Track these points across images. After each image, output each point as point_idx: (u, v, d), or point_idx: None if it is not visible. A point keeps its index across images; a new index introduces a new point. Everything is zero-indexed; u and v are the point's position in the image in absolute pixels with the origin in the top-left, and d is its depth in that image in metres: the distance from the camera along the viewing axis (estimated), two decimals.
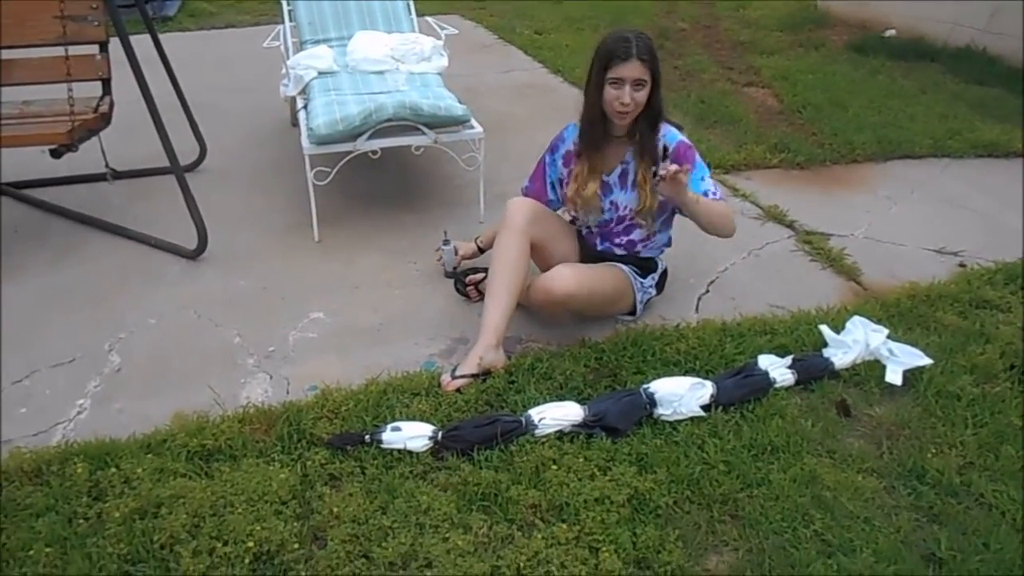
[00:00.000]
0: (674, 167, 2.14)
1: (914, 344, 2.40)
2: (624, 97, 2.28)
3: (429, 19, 4.13)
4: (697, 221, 2.36)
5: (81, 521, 1.81)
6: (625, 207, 2.47)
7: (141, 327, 2.61)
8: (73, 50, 2.93)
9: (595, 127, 2.42)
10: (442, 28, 3.87)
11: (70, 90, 2.90)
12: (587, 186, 2.47)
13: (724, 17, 6.76)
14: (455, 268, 2.84)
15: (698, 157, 2.38)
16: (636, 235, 2.52)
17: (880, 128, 4.16)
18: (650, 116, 2.36)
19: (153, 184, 3.51)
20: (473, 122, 3.19)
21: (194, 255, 3.00)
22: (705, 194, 2.33)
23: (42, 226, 3.26)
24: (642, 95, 2.30)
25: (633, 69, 2.26)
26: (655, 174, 2.19)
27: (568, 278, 2.38)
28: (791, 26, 6.26)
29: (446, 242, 2.83)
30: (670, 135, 2.38)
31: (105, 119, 3.05)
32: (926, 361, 2.32)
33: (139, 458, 1.97)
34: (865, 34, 5.89)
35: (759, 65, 5.36)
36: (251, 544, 1.73)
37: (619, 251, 2.57)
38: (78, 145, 2.91)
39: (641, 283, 2.57)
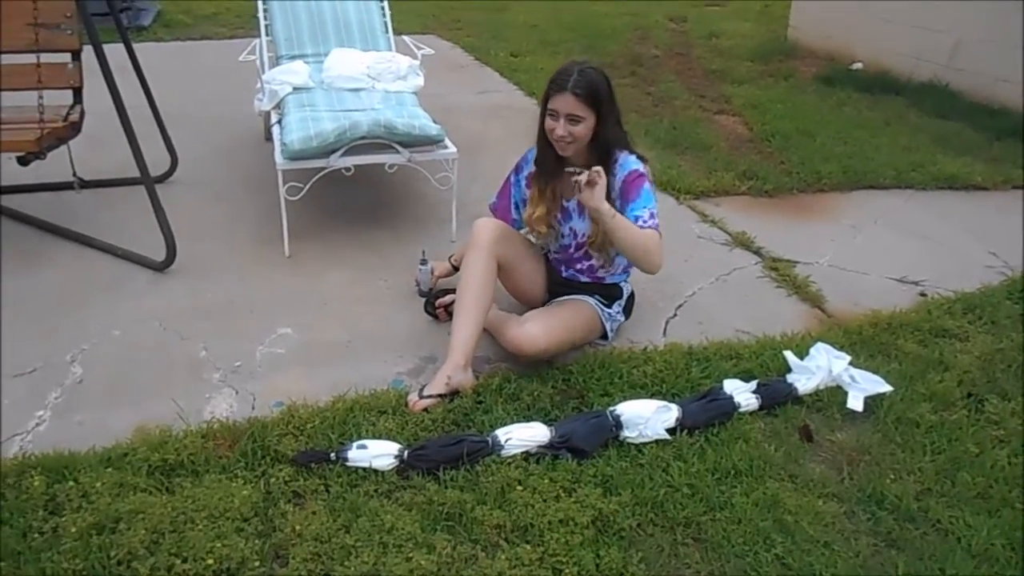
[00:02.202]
0: (584, 176, 2.18)
1: (875, 371, 2.45)
2: (558, 129, 2.31)
3: (406, 38, 4.16)
4: (615, 241, 2.31)
5: (36, 535, 1.78)
6: (583, 235, 2.50)
7: (105, 338, 2.58)
8: (45, 58, 2.91)
9: (545, 154, 2.45)
10: (419, 48, 3.90)
11: (40, 98, 2.87)
12: (536, 209, 2.51)
13: (697, 45, 6.88)
14: (431, 288, 2.84)
15: (647, 187, 2.36)
16: (595, 261, 2.55)
17: (846, 158, 4.25)
18: (598, 149, 2.37)
19: (122, 194, 3.48)
20: (447, 142, 3.21)
21: (162, 267, 2.97)
22: (637, 220, 2.30)
23: (6, 233, 3.21)
24: (579, 129, 2.31)
25: (565, 103, 2.29)
26: (557, 259, 2.18)
27: (538, 337, 2.38)
28: (761, 56, 6.39)
29: (423, 262, 2.83)
30: (627, 163, 2.39)
31: (75, 128, 3.02)
32: (886, 388, 2.37)
33: (98, 472, 1.94)
34: (833, 66, 6.03)
35: (730, 94, 5.46)
36: (211, 561, 1.70)
37: (584, 278, 2.60)
38: (46, 153, 2.88)
39: (609, 313, 2.59)
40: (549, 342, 2.40)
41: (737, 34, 7.16)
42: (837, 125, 4.81)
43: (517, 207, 2.66)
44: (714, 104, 5.29)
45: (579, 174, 2.21)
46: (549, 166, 2.47)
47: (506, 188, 2.69)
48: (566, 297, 2.59)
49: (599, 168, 2.22)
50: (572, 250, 2.56)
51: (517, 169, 2.65)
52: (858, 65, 5.98)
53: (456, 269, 2.80)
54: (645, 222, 2.31)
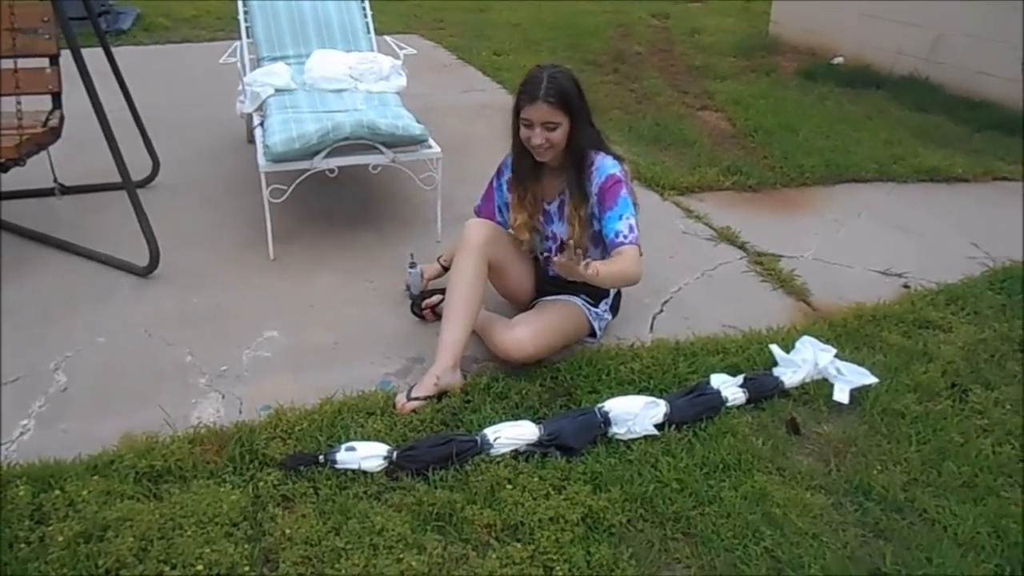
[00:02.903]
0: (561, 258, 2.11)
1: (860, 363, 2.47)
2: (535, 138, 2.31)
3: (388, 38, 4.15)
4: (602, 285, 2.36)
5: (23, 545, 1.76)
6: (562, 238, 2.50)
7: (89, 345, 2.56)
8: (23, 63, 2.88)
9: (521, 161, 2.46)
10: (401, 48, 3.89)
11: (19, 103, 2.84)
12: (518, 216, 2.51)
13: (679, 42, 6.90)
14: (421, 291, 2.83)
15: (624, 192, 2.36)
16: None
17: (828, 152, 4.27)
18: (572, 153, 2.37)
19: (104, 200, 3.44)
20: (431, 142, 3.20)
21: (145, 272, 2.95)
22: (616, 235, 2.31)
23: None
24: (556, 135, 2.31)
25: (539, 112, 2.28)
26: (547, 258, 2.13)
27: (526, 344, 2.38)
28: (743, 52, 6.41)
29: (412, 265, 2.82)
30: (603, 167, 2.38)
31: (55, 133, 3.00)
32: (872, 380, 2.39)
33: (85, 480, 1.92)
34: (814, 61, 6.06)
35: (713, 89, 5.47)
36: (200, 567, 1.69)
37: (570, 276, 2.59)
38: (26, 159, 2.85)
39: (596, 312, 2.59)
40: (537, 348, 2.40)
41: (719, 30, 7.18)
42: (819, 119, 4.83)
43: (501, 210, 2.66)
44: (697, 100, 5.30)
45: (559, 254, 2.13)
46: (526, 173, 2.48)
47: (489, 191, 2.69)
48: (553, 297, 2.58)
49: (573, 258, 2.11)
50: (554, 253, 2.56)
51: (498, 173, 2.64)
52: (839, 59, 6.01)
53: (445, 269, 2.80)
54: (625, 237, 2.31)
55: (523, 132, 2.34)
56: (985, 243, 3.39)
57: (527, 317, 2.51)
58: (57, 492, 1.88)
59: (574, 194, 2.42)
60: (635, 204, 2.41)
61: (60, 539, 1.75)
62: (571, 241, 2.16)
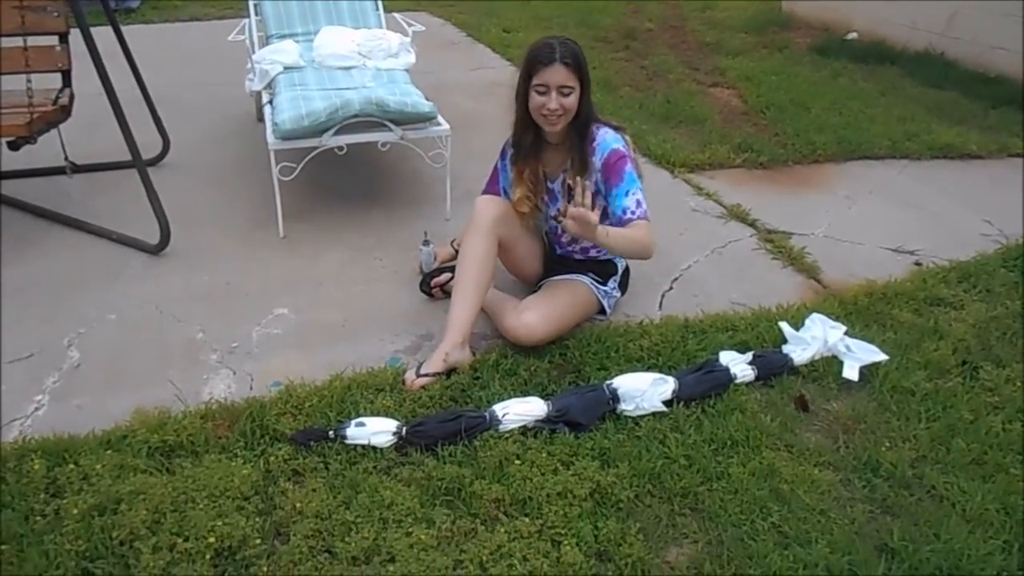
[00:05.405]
0: (576, 210, 2.09)
1: (871, 341, 2.46)
2: (551, 103, 2.27)
3: (397, 15, 4.12)
4: (611, 251, 2.36)
5: (38, 518, 1.79)
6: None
7: (101, 322, 2.58)
8: (32, 41, 2.88)
9: (526, 136, 2.43)
10: (410, 25, 3.87)
11: (29, 82, 2.85)
12: (517, 190, 2.50)
13: (691, 18, 6.84)
14: (431, 270, 2.83)
15: (629, 167, 2.34)
16: (564, 237, 2.55)
17: (841, 129, 4.23)
18: (578, 124, 2.34)
19: (115, 178, 3.46)
20: (440, 119, 3.19)
21: (156, 250, 2.96)
22: (624, 212, 2.29)
23: None
24: (570, 100, 2.28)
25: (557, 73, 2.25)
26: (559, 212, 2.12)
27: (536, 329, 2.37)
28: (756, 28, 6.35)
29: (426, 243, 2.82)
30: (605, 142, 2.35)
31: (65, 112, 3.01)
32: (882, 357, 2.38)
33: (98, 454, 1.95)
34: (827, 36, 5.99)
35: (724, 66, 5.43)
36: (212, 540, 1.71)
37: (578, 255, 2.59)
38: (36, 137, 2.86)
39: (604, 290, 2.58)
40: (547, 332, 2.40)
41: (731, 6, 7.11)
42: (832, 96, 4.78)
43: (506, 192, 2.64)
44: (708, 77, 5.26)
45: (569, 207, 2.12)
46: (527, 148, 2.45)
47: (494, 175, 2.67)
48: (561, 277, 2.57)
49: (588, 207, 2.10)
50: (560, 232, 2.56)
51: (502, 154, 2.62)
52: (853, 35, 5.94)
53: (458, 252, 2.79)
54: (633, 213, 2.29)
55: (536, 100, 2.30)
56: (999, 220, 3.36)
57: (536, 301, 2.50)
58: (72, 466, 1.91)
59: (575, 164, 2.40)
60: (639, 176, 2.39)
61: (75, 512, 1.78)
62: (579, 186, 2.12)
